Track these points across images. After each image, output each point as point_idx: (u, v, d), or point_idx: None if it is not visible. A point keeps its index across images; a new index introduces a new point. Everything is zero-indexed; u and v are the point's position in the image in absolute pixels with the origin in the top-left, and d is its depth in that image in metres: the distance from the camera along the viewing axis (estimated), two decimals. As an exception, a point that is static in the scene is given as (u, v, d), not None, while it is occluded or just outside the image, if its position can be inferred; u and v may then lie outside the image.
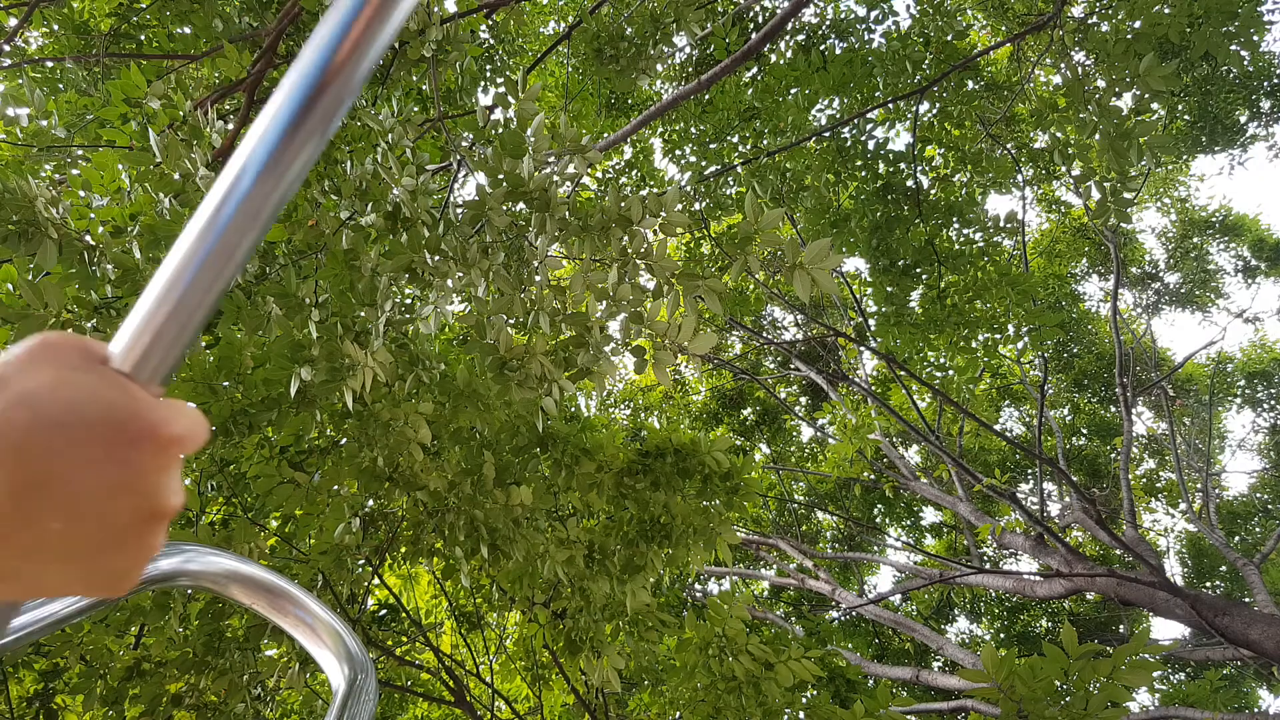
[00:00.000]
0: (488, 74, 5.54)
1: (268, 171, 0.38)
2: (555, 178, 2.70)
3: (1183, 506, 12.10)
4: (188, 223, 0.38)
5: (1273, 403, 13.07)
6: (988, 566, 10.98)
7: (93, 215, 2.92)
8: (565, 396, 2.77)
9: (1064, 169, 6.92)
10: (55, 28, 5.32)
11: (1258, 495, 12.79)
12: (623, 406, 12.95)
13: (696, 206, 7.27)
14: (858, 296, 10.46)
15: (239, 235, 0.38)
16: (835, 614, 11.37)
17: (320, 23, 0.39)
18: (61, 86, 5.12)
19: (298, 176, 0.39)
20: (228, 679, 3.11)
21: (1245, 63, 4.41)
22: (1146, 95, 4.32)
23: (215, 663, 3.13)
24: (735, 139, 7.26)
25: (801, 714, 3.72)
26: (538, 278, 2.78)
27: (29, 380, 0.35)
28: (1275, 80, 9.74)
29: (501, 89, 3.03)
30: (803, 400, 13.76)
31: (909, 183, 6.56)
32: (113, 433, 0.35)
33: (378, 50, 0.40)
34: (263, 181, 0.38)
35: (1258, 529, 12.31)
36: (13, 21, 4.80)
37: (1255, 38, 4.21)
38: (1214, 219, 13.13)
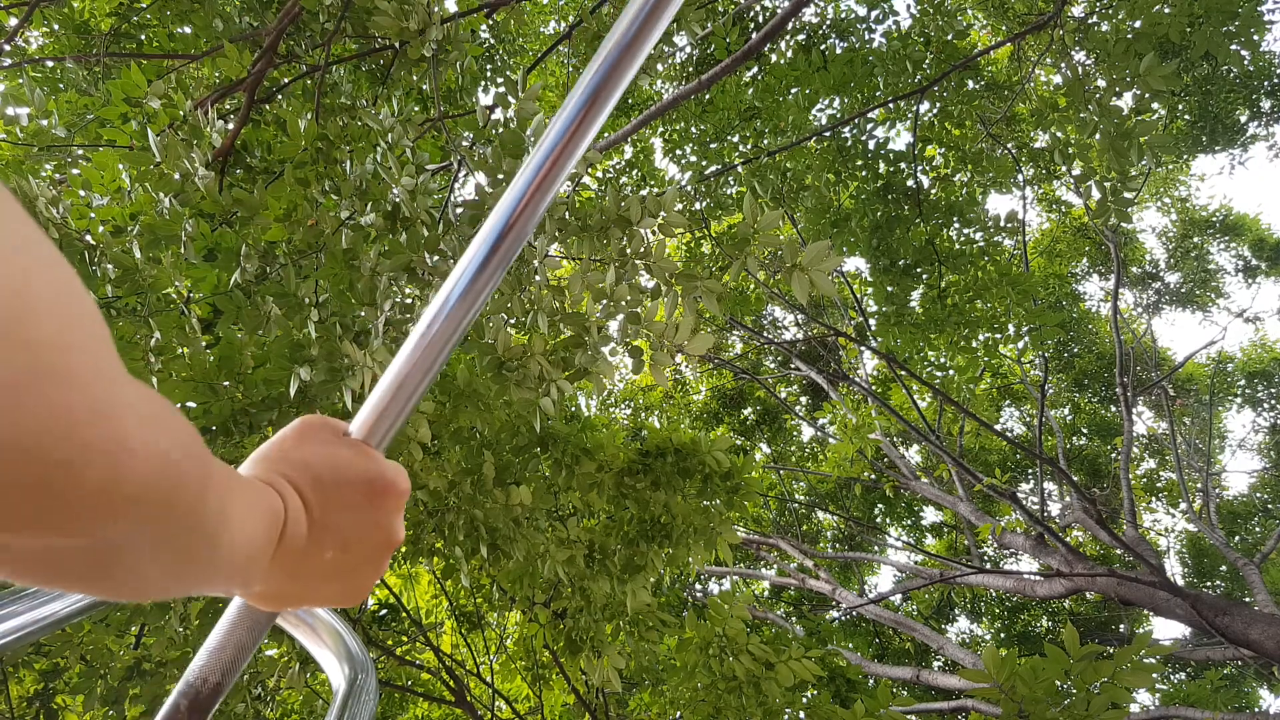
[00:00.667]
0: (488, 74, 5.54)
1: (464, 298, 0.52)
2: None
3: (1183, 506, 12.10)
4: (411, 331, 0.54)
5: (1273, 402, 13.07)
6: (988, 566, 10.98)
7: (93, 215, 2.92)
8: (565, 396, 2.77)
9: (1064, 169, 6.92)
10: (55, 27, 5.32)
11: (1258, 495, 12.78)
12: (623, 406, 12.94)
13: (697, 206, 7.27)
14: (858, 296, 10.46)
15: (442, 344, 0.52)
16: (836, 614, 11.37)
17: (508, 188, 0.54)
18: (62, 86, 5.12)
19: (485, 301, 0.53)
20: (228, 679, 3.11)
21: (1245, 62, 4.41)
22: (1147, 95, 4.32)
23: (215, 662, 3.12)
24: (735, 139, 7.26)
25: (802, 714, 3.72)
26: (536, 278, 2.78)
27: (305, 452, 0.47)
28: (1275, 80, 9.74)
29: (502, 89, 3.03)
30: (803, 400, 13.76)
31: (909, 182, 6.56)
32: (367, 488, 0.48)
33: (545, 207, 0.54)
34: (460, 304, 0.52)
35: (1258, 529, 12.31)
36: (13, 21, 4.80)
37: (1255, 37, 4.20)
38: (1214, 219, 13.12)
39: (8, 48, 4.08)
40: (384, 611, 5.30)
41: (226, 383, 3.09)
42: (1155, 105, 8.21)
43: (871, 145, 6.72)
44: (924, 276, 6.52)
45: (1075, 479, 8.34)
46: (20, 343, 0.22)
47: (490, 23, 5.48)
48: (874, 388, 11.76)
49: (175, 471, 0.30)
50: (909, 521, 13.48)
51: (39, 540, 0.26)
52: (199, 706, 0.52)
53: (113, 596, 0.34)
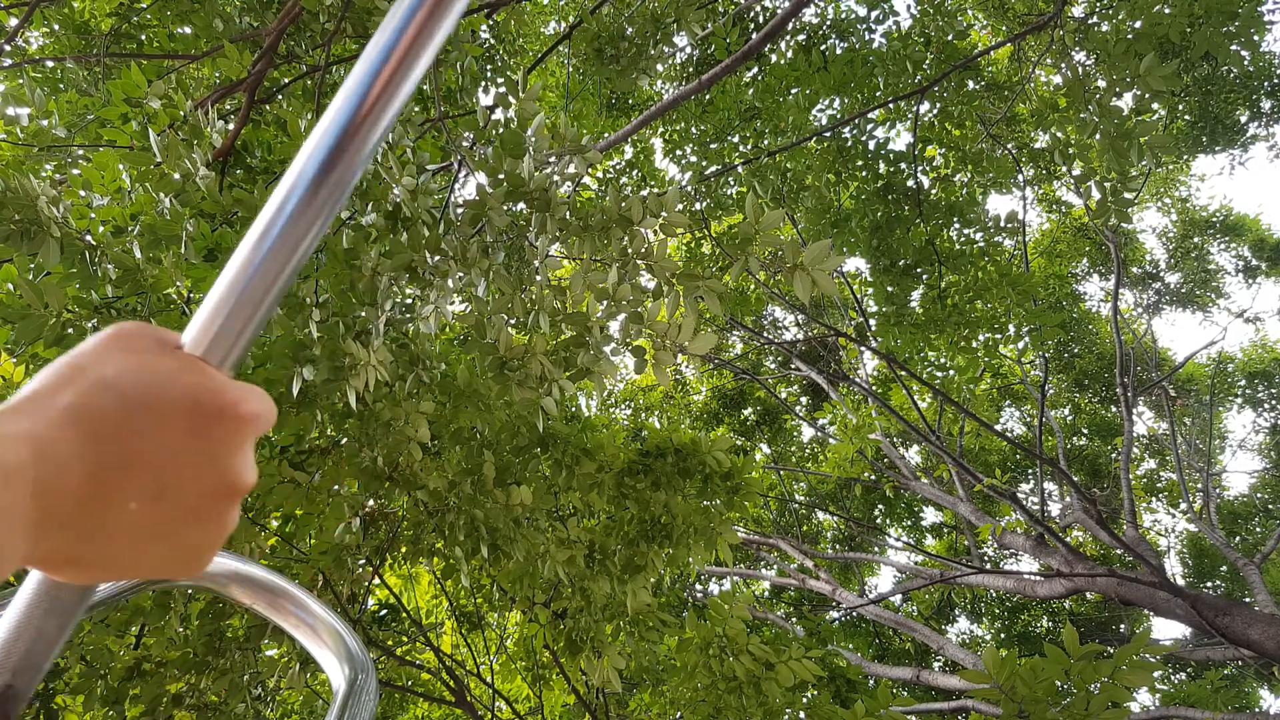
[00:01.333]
0: (488, 74, 5.54)
1: (319, 184, 0.42)
2: (555, 178, 2.69)
3: (1183, 506, 12.09)
4: (255, 223, 0.43)
5: (1273, 403, 13.07)
6: (988, 566, 10.98)
7: (93, 215, 2.92)
8: (565, 396, 2.77)
9: (1064, 169, 6.92)
10: (56, 28, 5.32)
11: (1258, 495, 12.78)
12: (623, 406, 12.94)
13: (697, 206, 7.27)
14: (858, 296, 10.46)
15: (301, 232, 0.42)
16: (836, 614, 11.37)
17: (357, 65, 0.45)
18: (62, 86, 5.12)
19: (344, 192, 0.44)
20: (228, 679, 3.11)
21: (1246, 63, 4.41)
22: (1147, 95, 4.32)
23: (216, 663, 3.13)
24: (736, 139, 7.26)
25: (802, 714, 3.72)
26: (538, 277, 2.78)
27: (108, 367, 0.36)
28: (1276, 80, 9.74)
29: (502, 89, 3.03)
30: (803, 400, 13.76)
31: (909, 183, 6.56)
32: (192, 411, 0.37)
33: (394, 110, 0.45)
34: (316, 191, 0.42)
35: (1258, 529, 12.31)
36: (13, 21, 4.81)
37: (1255, 38, 4.20)
38: (1214, 219, 13.12)
39: (8, 48, 4.08)
40: (384, 612, 5.30)
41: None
42: (1155, 105, 8.22)
43: (872, 145, 6.72)
44: (924, 277, 6.52)
45: (1075, 479, 8.34)
46: None
47: (490, 23, 5.49)
48: (874, 388, 11.76)
49: None
50: (909, 522, 13.48)
51: None
52: None
53: None
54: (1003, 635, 12.43)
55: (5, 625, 0.41)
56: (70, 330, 2.31)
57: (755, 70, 7.14)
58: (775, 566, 11.87)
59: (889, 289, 6.65)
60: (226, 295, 0.41)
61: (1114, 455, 12.31)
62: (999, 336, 6.36)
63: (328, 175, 0.42)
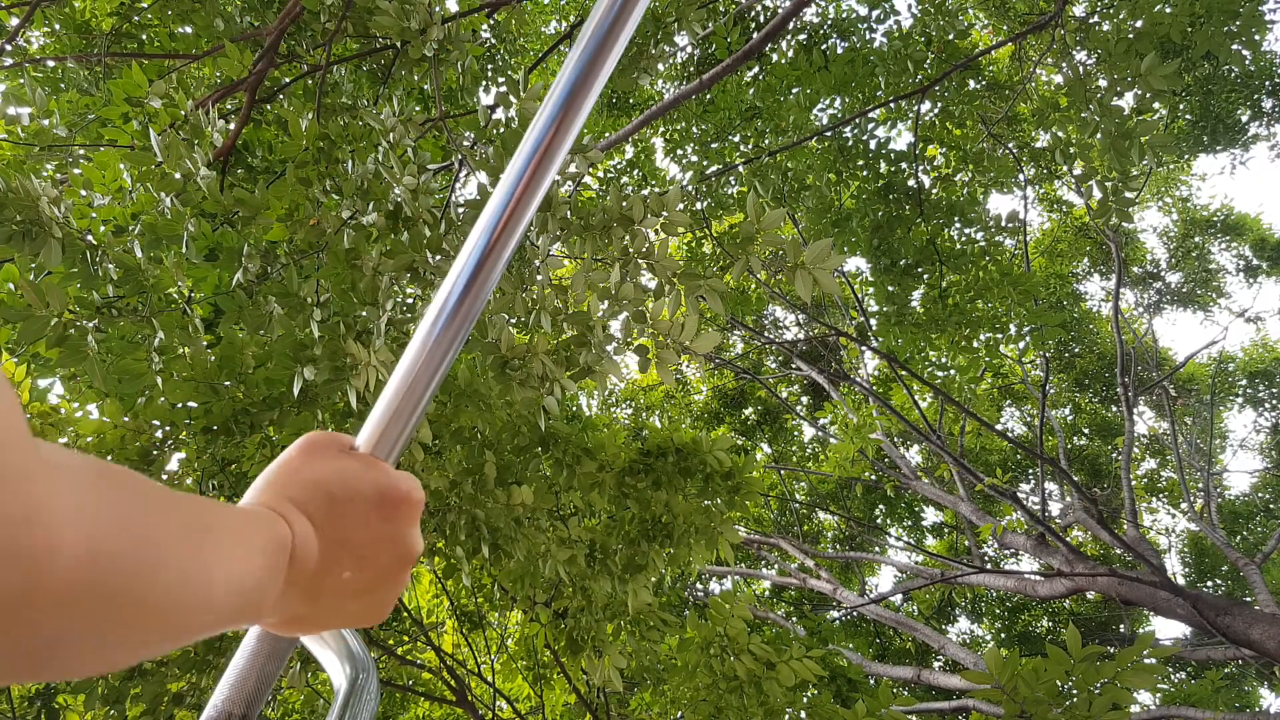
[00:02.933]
0: (489, 74, 5.54)
1: (462, 302, 0.52)
2: (557, 177, 2.69)
3: (1184, 506, 12.09)
4: (406, 350, 0.54)
5: (1274, 402, 13.06)
6: (989, 566, 10.97)
7: (94, 215, 2.92)
8: (567, 396, 2.77)
9: (1065, 168, 6.92)
10: (57, 27, 5.32)
11: (1259, 495, 12.78)
12: (624, 406, 12.94)
13: (698, 206, 7.27)
14: (859, 296, 10.46)
15: (445, 350, 0.52)
16: (836, 614, 11.36)
17: (495, 190, 0.55)
18: (63, 86, 5.12)
19: (483, 303, 0.54)
20: (229, 678, 3.11)
21: (1247, 62, 4.41)
22: (1148, 95, 4.31)
23: (216, 662, 3.13)
24: (737, 138, 7.25)
25: (803, 713, 3.72)
26: (539, 277, 2.78)
27: (313, 470, 0.46)
28: (1277, 79, 9.73)
29: (503, 88, 3.03)
30: (804, 400, 13.75)
31: (910, 182, 6.55)
32: (379, 500, 0.47)
33: (535, 206, 0.55)
34: (459, 309, 0.52)
35: (1259, 529, 12.30)
36: (14, 21, 4.81)
37: (1257, 37, 4.20)
38: (1215, 218, 13.11)
39: (9, 48, 4.08)
40: (385, 611, 5.30)
41: (227, 383, 3.09)
42: (1156, 105, 8.21)
43: (872, 145, 6.72)
44: (925, 276, 6.52)
45: (1076, 479, 8.34)
46: None
47: (491, 22, 5.49)
48: (875, 388, 11.76)
49: (111, 566, 0.27)
50: (910, 521, 13.47)
51: None
52: None
53: (59, 678, 0.30)
54: (1003, 635, 12.42)
55: (238, 668, 0.53)
56: (72, 331, 2.31)
57: (756, 70, 7.14)
58: (776, 566, 11.88)
59: (890, 288, 6.65)
60: (390, 404, 0.51)
61: (1115, 455, 12.30)
62: (1000, 336, 6.36)
63: (463, 302, 0.52)
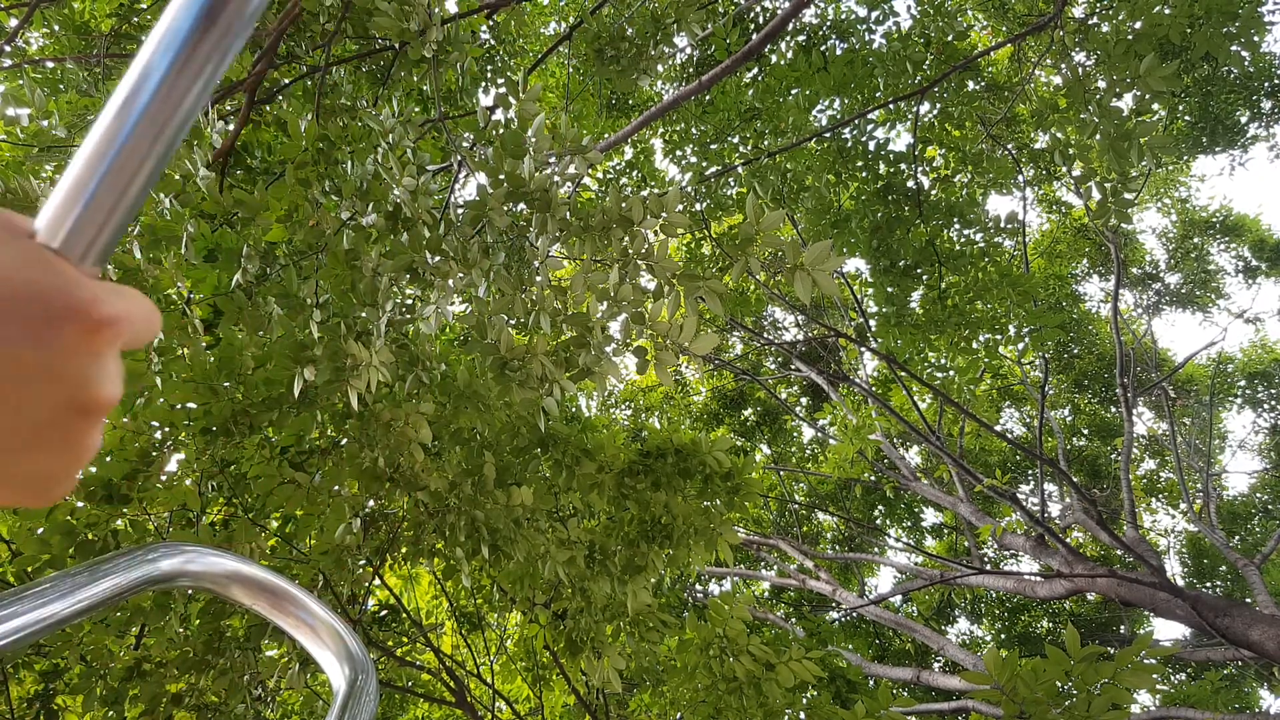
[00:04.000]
0: (488, 74, 5.54)
1: (188, 48, 0.34)
2: (556, 178, 2.69)
3: (1183, 507, 12.09)
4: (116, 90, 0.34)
5: (1273, 403, 13.06)
6: (988, 567, 10.97)
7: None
8: (566, 397, 2.77)
9: (1064, 169, 6.92)
10: (56, 28, 5.32)
11: (1258, 495, 12.78)
12: (623, 407, 12.94)
13: (697, 207, 7.27)
14: (858, 297, 10.46)
15: (179, 90, 0.34)
16: (836, 615, 11.36)
17: None
18: (62, 87, 5.11)
19: (215, 58, 0.35)
20: (228, 679, 3.11)
21: (1246, 63, 4.41)
22: (1147, 96, 4.32)
23: (215, 662, 3.13)
24: (736, 139, 7.26)
25: (802, 714, 3.72)
26: (538, 278, 2.78)
27: None
28: (1276, 80, 9.74)
29: (502, 89, 3.03)
30: (803, 401, 13.75)
31: (910, 183, 6.56)
32: (32, 310, 0.30)
33: None
34: (190, 59, 0.34)
35: (1258, 529, 12.30)
36: (13, 22, 4.81)
37: (1256, 38, 4.20)
38: (1214, 219, 13.12)
39: (8, 48, 4.08)
40: (384, 612, 5.30)
41: (227, 384, 3.09)
42: (1155, 106, 8.22)
43: (872, 146, 6.72)
44: (924, 277, 6.52)
45: (1075, 480, 8.34)
46: None
47: (490, 24, 5.49)
48: (874, 389, 11.76)
49: None
50: (909, 522, 13.47)
51: None
52: None
53: None
54: (1003, 636, 12.42)
55: None
56: None
57: (755, 71, 7.14)
58: (775, 567, 11.87)
59: (889, 289, 6.65)
60: (86, 173, 0.33)
61: (1114, 456, 12.30)
62: (999, 337, 6.36)
63: (214, 20, 0.34)
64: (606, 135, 8.11)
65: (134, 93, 0.33)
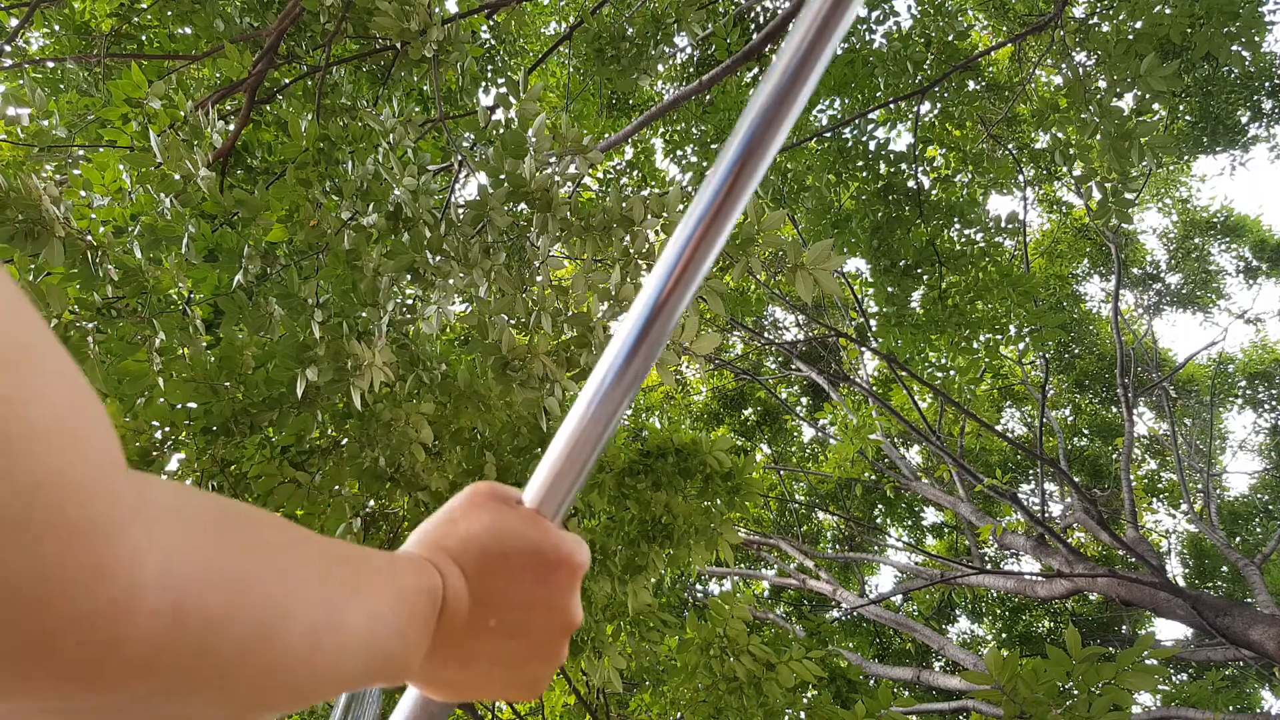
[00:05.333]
0: (489, 74, 5.54)
1: (620, 377, 0.50)
2: (557, 178, 2.69)
3: (1184, 507, 12.09)
4: (575, 402, 0.51)
5: (1274, 403, 13.06)
6: (989, 567, 10.97)
7: (94, 215, 2.92)
8: (567, 397, 2.77)
9: (1065, 169, 6.92)
10: (56, 28, 5.33)
11: (1259, 496, 12.78)
12: (623, 407, 12.91)
13: (697, 207, 7.26)
14: (859, 297, 10.46)
15: (614, 405, 0.49)
16: (836, 614, 11.36)
17: (659, 259, 0.51)
18: (62, 87, 5.12)
19: (653, 358, 0.51)
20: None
21: (1246, 63, 4.41)
22: (1148, 96, 4.32)
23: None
24: (736, 139, 7.24)
25: (803, 714, 3.72)
26: (539, 278, 2.78)
27: (472, 523, 0.43)
28: (1277, 80, 9.73)
29: (503, 89, 3.03)
30: (804, 401, 13.75)
31: (910, 183, 6.56)
32: (536, 560, 0.43)
33: (704, 271, 0.51)
34: (627, 366, 0.50)
35: (1259, 529, 12.30)
36: (13, 22, 4.81)
37: (1256, 38, 4.20)
38: (1215, 220, 13.11)
39: (8, 48, 4.08)
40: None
41: (227, 383, 3.09)
42: (1156, 106, 8.21)
43: (872, 146, 6.72)
44: (925, 277, 6.52)
45: (1076, 480, 8.34)
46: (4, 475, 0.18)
47: (491, 24, 5.49)
48: (875, 388, 11.76)
49: (203, 627, 0.25)
50: (909, 522, 13.47)
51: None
52: None
53: None
54: (1004, 635, 12.42)
55: None
56: (72, 332, 2.31)
57: (756, 71, 7.14)
58: (775, 566, 11.87)
59: (889, 289, 6.65)
60: (558, 460, 0.48)
61: (1115, 456, 12.30)
62: (1000, 337, 6.36)
63: (634, 356, 0.49)
64: (607, 135, 8.11)
65: (588, 405, 0.49)
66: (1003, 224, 6.58)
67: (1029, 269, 9.14)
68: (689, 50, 7.17)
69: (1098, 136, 4.30)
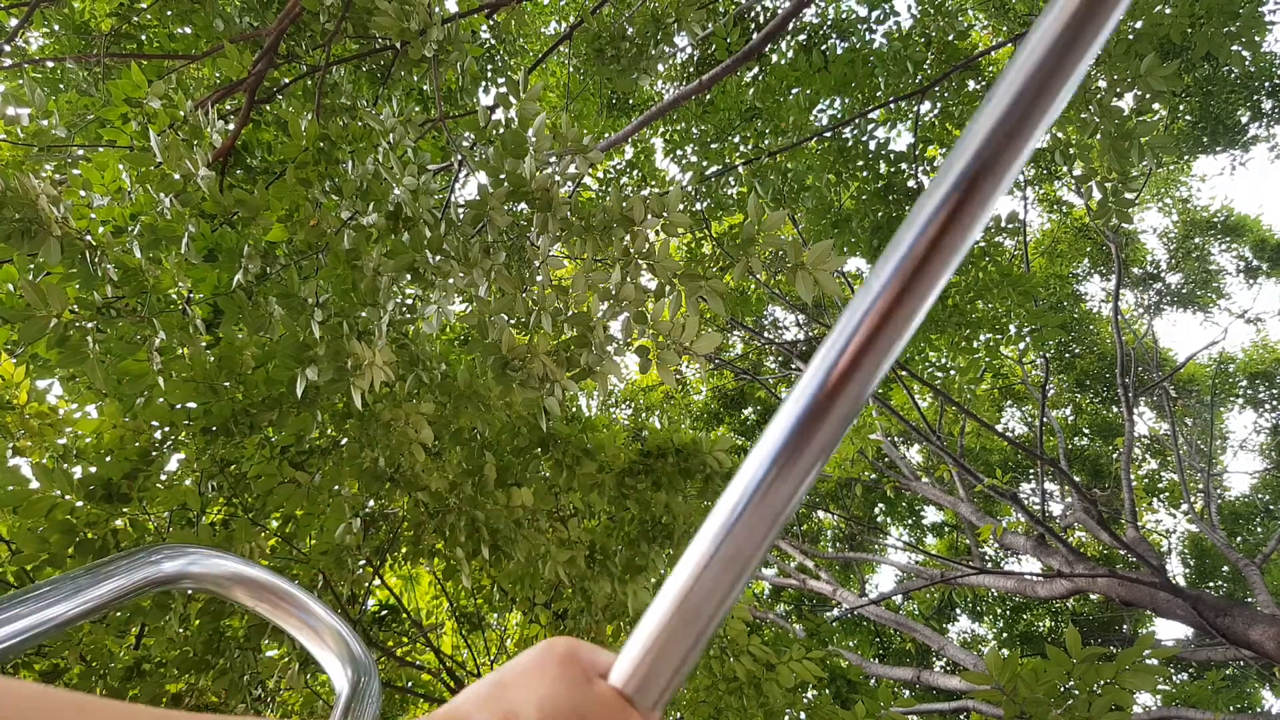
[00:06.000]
0: (489, 74, 5.53)
1: (752, 511, 0.36)
2: (557, 177, 2.69)
3: (1184, 507, 12.09)
4: (695, 537, 0.38)
5: (1274, 403, 13.06)
6: (989, 567, 10.97)
7: (93, 215, 2.92)
8: (567, 397, 2.77)
9: (1065, 169, 6.91)
10: (56, 28, 5.32)
11: (1259, 496, 12.78)
12: (624, 406, 12.94)
13: (698, 207, 7.27)
14: (859, 297, 10.43)
15: (747, 557, 0.37)
16: (836, 614, 11.36)
17: (828, 341, 0.38)
18: (62, 86, 5.11)
19: (801, 495, 0.38)
20: (228, 679, 3.11)
21: (1247, 63, 4.40)
22: (1148, 95, 4.31)
23: (215, 663, 3.13)
24: (736, 139, 7.25)
25: (803, 714, 3.72)
26: (539, 278, 2.78)
27: (524, 691, 0.34)
28: (1277, 80, 9.73)
29: (503, 89, 3.03)
30: (803, 400, 13.72)
31: (910, 183, 6.55)
32: None
33: (881, 372, 0.38)
34: (763, 501, 0.36)
35: (1259, 529, 12.30)
36: (13, 22, 4.80)
37: (1256, 38, 4.20)
38: (1215, 219, 13.11)
39: (8, 48, 4.08)
40: (384, 612, 5.30)
41: (227, 383, 3.09)
42: (1156, 106, 8.21)
43: (872, 146, 6.72)
44: (925, 277, 6.50)
45: (1076, 479, 8.34)
46: None
47: (491, 23, 5.49)
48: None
49: None
50: (910, 521, 13.47)
51: None
52: None
53: None
54: (1004, 635, 12.42)
55: None
56: (71, 331, 2.31)
57: (756, 70, 7.14)
58: (775, 566, 11.88)
59: (890, 289, 6.63)
60: (663, 631, 0.35)
61: (1115, 456, 12.30)
62: (1000, 337, 6.36)
63: (771, 488, 0.36)
64: (607, 135, 8.11)
65: (708, 552, 0.36)
66: (1003, 224, 6.57)
67: (1029, 269, 9.13)
68: (689, 50, 7.17)
69: (1098, 136, 4.29)
